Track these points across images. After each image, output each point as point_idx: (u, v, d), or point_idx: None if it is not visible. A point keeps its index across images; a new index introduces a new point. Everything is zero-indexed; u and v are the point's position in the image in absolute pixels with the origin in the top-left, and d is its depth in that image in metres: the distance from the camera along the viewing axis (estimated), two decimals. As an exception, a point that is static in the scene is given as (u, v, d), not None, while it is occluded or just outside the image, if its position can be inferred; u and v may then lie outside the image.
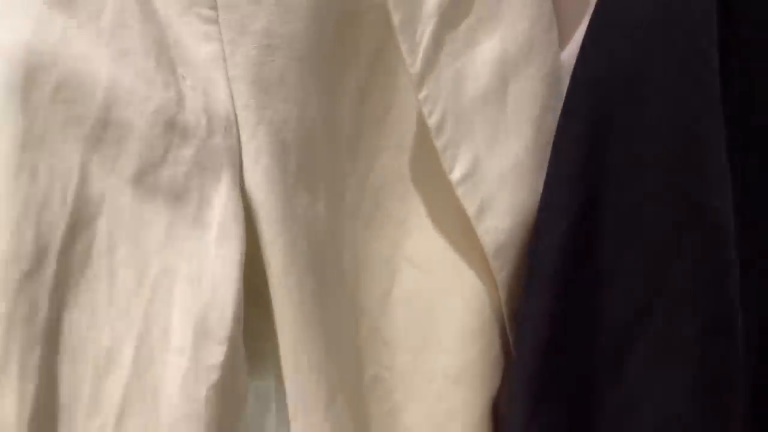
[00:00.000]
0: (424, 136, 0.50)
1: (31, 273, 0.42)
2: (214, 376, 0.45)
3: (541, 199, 0.49)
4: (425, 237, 0.52)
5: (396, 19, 0.46)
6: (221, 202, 0.45)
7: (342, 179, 0.51)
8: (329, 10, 0.47)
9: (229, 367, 0.45)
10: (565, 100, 0.48)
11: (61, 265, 0.43)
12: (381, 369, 0.53)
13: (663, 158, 0.45)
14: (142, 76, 0.44)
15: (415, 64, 0.46)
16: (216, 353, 0.45)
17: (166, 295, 0.45)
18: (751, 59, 0.45)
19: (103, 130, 0.43)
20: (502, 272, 0.50)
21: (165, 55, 0.45)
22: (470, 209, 0.48)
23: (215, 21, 0.45)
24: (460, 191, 0.48)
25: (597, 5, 0.47)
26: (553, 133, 0.49)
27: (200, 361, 0.45)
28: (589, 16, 0.49)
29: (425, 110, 0.47)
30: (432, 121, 0.47)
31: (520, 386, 0.50)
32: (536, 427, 0.50)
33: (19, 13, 0.43)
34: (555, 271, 0.49)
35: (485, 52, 0.48)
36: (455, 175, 0.48)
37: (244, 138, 0.46)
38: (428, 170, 0.51)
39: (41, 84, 0.42)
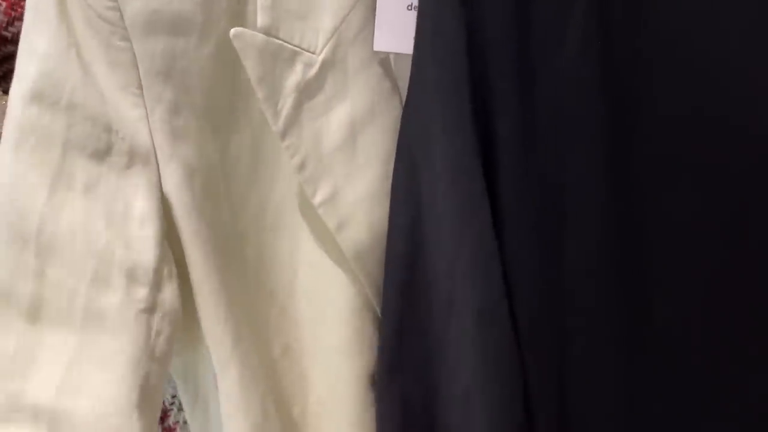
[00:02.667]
0: None
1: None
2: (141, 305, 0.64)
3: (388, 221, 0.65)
4: (313, 245, 0.68)
5: (260, 94, 0.63)
6: (140, 205, 0.64)
7: (245, 197, 0.68)
8: (222, 87, 0.66)
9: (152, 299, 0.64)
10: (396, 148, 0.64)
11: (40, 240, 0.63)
12: (291, 340, 0.71)
13: (444, 189, 0.61)
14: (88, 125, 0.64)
15: (277, 124, 0.64)
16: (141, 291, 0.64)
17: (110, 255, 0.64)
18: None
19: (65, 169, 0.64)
20: (364, 272, 0.66)
21: (106, 117, 0.64)
22: (330, 225, 0.65)
23: (141, 95, 0.64)
24: (320, 211, 0.65)
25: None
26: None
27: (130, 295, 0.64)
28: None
29: (288, 155, 0.64)
30: (294, 162, 0.64)
31: (380, 360, 0.66)
32: (395, 390, 0.65)
33: None
34: (397, 275, 0.64)
35: (338, 115, 0.64)
36: (316, 199, 0.65)
37: (161, 165, 0.64)
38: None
39: None
